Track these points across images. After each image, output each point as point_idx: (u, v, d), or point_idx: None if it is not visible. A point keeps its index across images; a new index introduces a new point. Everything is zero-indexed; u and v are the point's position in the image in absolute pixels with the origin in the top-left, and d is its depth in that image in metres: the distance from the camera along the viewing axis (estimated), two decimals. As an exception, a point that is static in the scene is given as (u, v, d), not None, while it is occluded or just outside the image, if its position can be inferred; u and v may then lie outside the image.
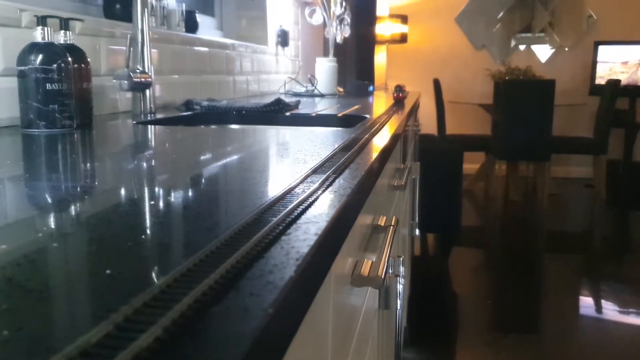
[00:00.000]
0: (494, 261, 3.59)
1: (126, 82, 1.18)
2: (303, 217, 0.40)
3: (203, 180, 0.55)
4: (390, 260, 0.97)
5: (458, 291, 3.03)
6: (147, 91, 1.27)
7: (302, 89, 2.61)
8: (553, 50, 5.82)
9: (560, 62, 5.78)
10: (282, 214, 0.40)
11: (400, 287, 0.92)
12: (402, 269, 0.98)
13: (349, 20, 2.84)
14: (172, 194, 0.49)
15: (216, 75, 1.95)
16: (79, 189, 0.53)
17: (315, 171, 0.58)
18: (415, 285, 2.98)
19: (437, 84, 5.14)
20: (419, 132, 2.92)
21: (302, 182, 0.52)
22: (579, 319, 2.75)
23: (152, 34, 1.53)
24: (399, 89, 1.97)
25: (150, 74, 1.27)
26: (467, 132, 5.70)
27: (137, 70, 1.24)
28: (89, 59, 1.05)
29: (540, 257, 3.71)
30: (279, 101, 1.48)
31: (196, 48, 1.79)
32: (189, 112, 1.42)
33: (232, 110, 1.46)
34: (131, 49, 1.22)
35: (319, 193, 0.49)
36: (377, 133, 1.02)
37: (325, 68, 2.68)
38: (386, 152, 0.92)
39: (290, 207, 0.42)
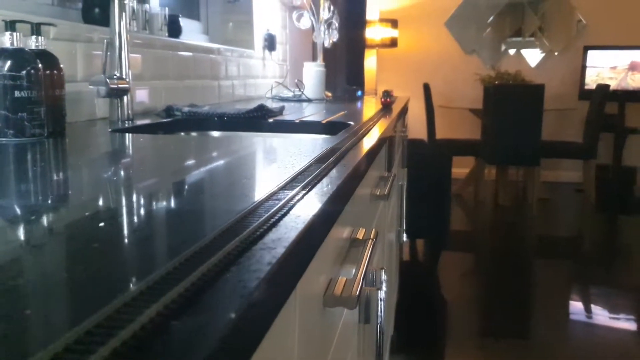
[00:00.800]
0: (483, 266, 3.57)
1: (103, 88, 1.15)
2: (260, 242, 0.37)
3: (159, 199, 0.52)
4: (371, 273, 0.94)
5: (447, 296, 3.01)
6: (125, 97, 1.24)
7: (290, 94, 2.58)
8: (543, 54, 5.83)
9: (549, 67, 5.79)
10: (237, 238, 0.37)
11: (381, 300, 0.90)
12: (384, 280, 0.96)
13: (337, 24, 2.82)
14: (126, 214, 0.46)
15: (200, 80, 1.92)
16: (42, 201, 0.51)
17: (285, 187, 0.56)
18: (404, 292, 2.96)
19: (427, 89, 5.12)
20: (406, 138, 2.90)
21: (268, 199, 0.50)
22: (569, 324, 2.74)
23: (133, 38, 1.50)
24: (387, 94, 1.95)
25: (128, 79, 1.23)
26: (457, 136, 5.69)
27: (115, 76, 1.21)
28: (62, 65, 1.02)
29: (530, 261, 3.69)
30: (261, 107, 1.45)
31: (179, 53, 1.76)
32: (169, 119, 1.39)
33: (214, 116, 1.43)
34: (108, 54, 1.18)
35: (283, 211, 0.46)
36: (358, 142, 1.00)
37: (313, 73, 2.65)
38: (366, 162, 0.89)
39: (247, 230, 0.39)
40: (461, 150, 5.21)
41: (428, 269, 3.44)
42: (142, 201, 0.51)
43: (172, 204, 0.50)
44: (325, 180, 0.60)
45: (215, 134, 1.41)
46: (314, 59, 4.32)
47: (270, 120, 1.43)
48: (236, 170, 0.68)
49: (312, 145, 0.89)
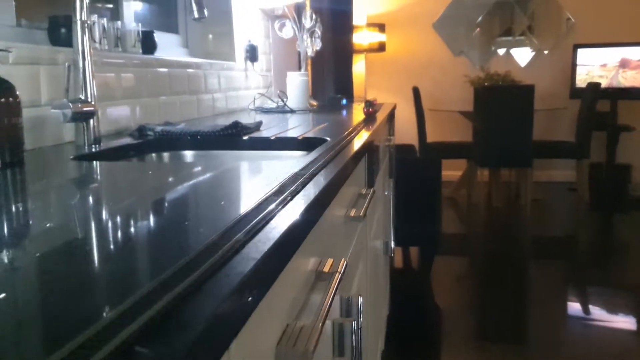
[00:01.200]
0: (478, 269, 3.54)
1: (66, 112, 1.10)
2: (183, 310, 0.33)
3: (93, 241, 0.48)
4: (346, 303, 0.90)
5: (442, 302, 2.97)
6: (92, 120, 1.19)
7: (273, 105, 2.54)
8: (532, 54, 5.80)
9: (539, 66, 5.76)
10: (156, 305, 0.32)
11: (357, 331, 0.85)
12: (361, 308, 0.91)
13: (319, 33, 2.78)
14: (65, 252, 0.41)
15: (178, 95, 1.88)
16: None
17: (232, 227, 0.51)
18: (396, 301, 2.91)
19: (416, 92, 5.09)
20: (393, 145, 2.86)
21: (205, 249, 0.45)
22: (566, 325, 2.71)
23: (103, 57, 1.46)
24: (369, 103, 1.90)
25: (93, 102, 1.19)
26: (448, 139, 5.65)
27: (79, 99, 1.17)
28: (18, 92, 0.98)
29: (525, 263, 3.66)
30: (236, 124, 1.40)
31: (153, 69, 1.71)
32: (139, 140, 1.35)
33: (186, 135, 1.39)
34: (71, 76, 1.14)
35: (226, 255, 0.42)
36: (330, 160, 0.96)
37: (296, 82, 2.61)
38: (335, 186, 0.85)
39: (170, 294, 0.35)
40: (453, 153, 5.18)
41: (420, 277, 3.39)
42: (79, 237, 0.46)
43: (110, 241, 0.45)
44: (274, 221, 0.56)
45: (188, 153, 1.37)
46: (300, 68, 4.28)
47: (245, 137, 1.38)
48: (187, 204, 0.64)
49: (279, 169, 0.85)
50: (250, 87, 2.67)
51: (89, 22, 1.18)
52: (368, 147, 1.39)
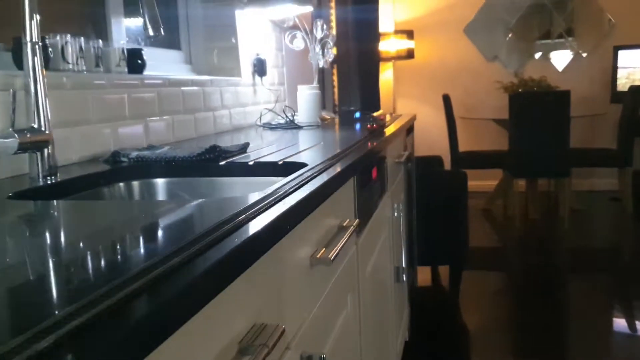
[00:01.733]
0: (514, 285, 3.37)
1: (10, 143, 1.01)
2: None
3: None
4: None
5: (472, 321, 2.81)
6: (46, 150, 1.09)
7: (282, 120, 2.43)
8: (570, 58, 5.55)
9: (577, 70, 5.50)
10: None
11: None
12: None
13: (331, 43, 2.65)
14: None
15: (170, 115, 1.78)
16: None
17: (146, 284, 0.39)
18: (419, 325, 2.74)
19: (446, 100, 4.91)
20: (411, 159, 2.71)
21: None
22: (610, 342, 2.53)
23: (71, 78, 1.36)
24: (374, 119, 1.77)
25: (46, 129, 1.09)
26: (482, 148, 5.44)
27: (29, 128, 1.07)
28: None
29: (564, 277, 3.49)
30: (213, 149, 1.29)
31: (137, 89, 1.61)
32: (107, 168, 1.24)
33: (160, 161, 1.28)
34: (15, 104, 1.04)
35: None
36: (292, 193, 0.83)
37: (305, 96, 2.49)
38: (289, 219, 0.72)
39: None
40: (486, 162, 4.98)
41: (447, 296, 3.22)
42: None
43: None
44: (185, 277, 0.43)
45: (159, 182, 1.26)
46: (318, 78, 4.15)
47: (223, 162, 1.26)
48: (116, 247, 0.52)
49: (233, 203, 0.73)
50: (259, 102, 2.56)
51: (39, 42, 1.08)
52: (356, 170, 1.26)
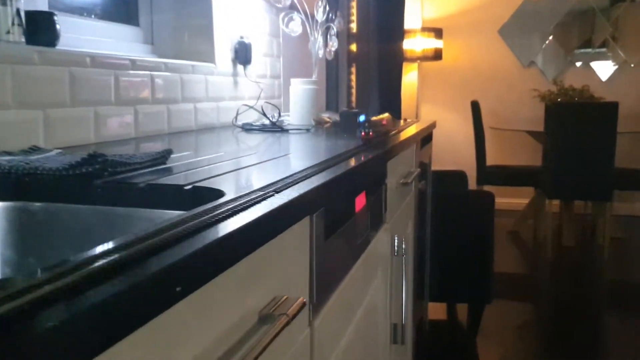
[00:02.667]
0: (542, 319, 2.98)
1: None
2: None
3: None
4: None
5: (495, 356, 2.33)
6: None
7: (270, 119, 1.95)
8: (616, 67, 4.98)
9: (623, 81, 4.93)
10: None
11: None
12: None
13: (336, 29, 2.17)
14: None
15: (92, 107, 1.31)
16: None
17: None
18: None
19: (475, 107, 4.40)
20: (426, 176, 2.21)
21: None
22: None
23: None
24: (370, 125, 1.28)
25: None
26: (513, 163, 4.90)
27: None
28: None
29: (601, 313, 3.10)
30: (91, 159, 0.81)
31: (36, 67, 1.15)
32: None
33: (10, 176, 0.81)
34: None
35: None
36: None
37: (299, 92, 2.01)
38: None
39: None
40: (517, 179, 4.46)
41: (466, 335, 2.71)
42: None
43: None
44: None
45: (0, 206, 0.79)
46: (326, 74, 3.67)
47: (99, 181, 0.79)
48: None
49: None
50: (242, 96, 2.09)
51: None
52: (315, 206, 0.77)
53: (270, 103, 1.96)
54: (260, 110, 1.89)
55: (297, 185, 0.76)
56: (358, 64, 4.38)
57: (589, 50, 5.02)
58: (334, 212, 0.88)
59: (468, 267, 2.52)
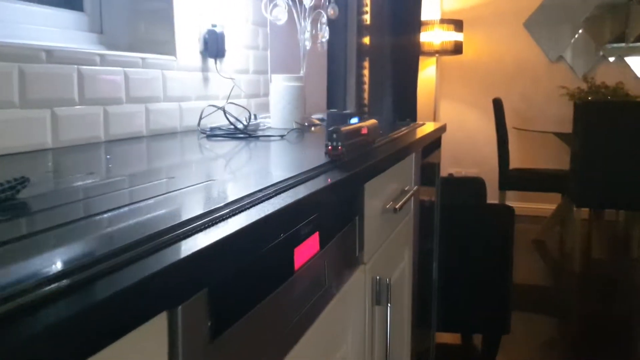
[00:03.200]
0: (568, 334, 2.73)
1: None
2: None
3: None
4: None
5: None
6: None
7: (233, 123, 1.64)
8: (653, 62, 4.58)
9: (662, 78, 4.52)
10: None
11: None
12: None
13: (326, 16, 1.85)
14: None
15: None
16: None
17: None
18: None
19: (498, 105, 4.06)
20: (434, 188, 1.89)
21: None
22: None
23: None
24: (338, 136, 0.96)
25: None
26: (538, 166, 4.53)
27: None
28: None
29: (635, 334, 2.77)
30: None
31: None
32: None
33: None
34: None
35: None
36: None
37: (279, 91, 1.70)
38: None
39: None
40: (542, 184, 4.11)
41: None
42: None
43: None
44: None
45: None
46: (328, 69, 3.36)
47: None
48: None
49: None
50: (215, 95, 1.78)
51: None
52: (173, 300, 0.46)
53: (237, 104, 1.65)
54: (233, 111, 1.58)
55: (158, 255, 0.45)
56: (372, 58, 4.09)
57: (622, 45, 4.62)
58: (236, 286, 0.57)
59: (482, 294, 2.19)
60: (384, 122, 2.10)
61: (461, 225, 2.13)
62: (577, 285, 3.46)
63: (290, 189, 0.76)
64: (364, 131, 1.09)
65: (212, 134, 1.50)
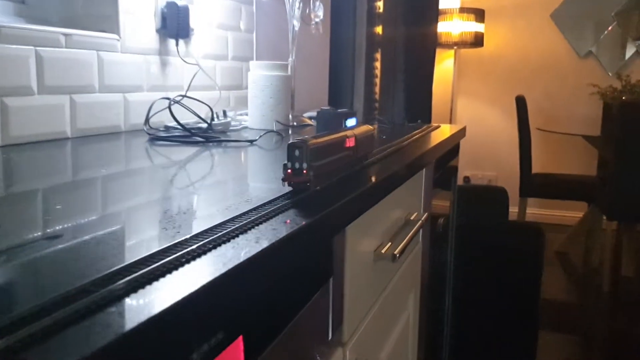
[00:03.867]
0: (593, 356, 2.49)
1: None
2: None
3: None
4: None
5: None
6: None
7: (180, 125, 1.29)
8: (693, 59, 4.18)
9: None
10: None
11: None
12: None
13: (320, -9, 1.49)
14: None
15: None
16: None
17: None
18: None
19: (520, 103, 3.72)
20: (449, 208, 1.54)
21: None
22: None
23: None
24: (298, 152, 0.61)
25: None
26: (563, 171, 4.16)
27: None
28: None
29: None
30: None
31: None
32: None
33: None
34: None
35: None
36: None
37: (258, 81, 1.35)
38: None
39: None
40: (568, 192, 3.78)
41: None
42: None
43: None
44: None
45: None
46: (330, 59, 3.03)
47: None
48: None
49: None
50: (180, 86, 1.43)
51: None
52: None
53: (195, 99, 1.30)
54: (174, 108, 1.22)
55: None
56: (384, 50, 3.77)
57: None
58: None
59: (504, 329, 1.82)
60: (389, 124, 1.74)
61: (480, 245, 1.77)
62: (605, 304, 3.13)
63: (194, 258, 0.41)
64: (349, 143, 0.73)
65: (159, 137, 1.15)
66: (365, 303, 0.78)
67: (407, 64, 3.77)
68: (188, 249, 0.44)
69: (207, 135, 1.15)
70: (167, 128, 1.28)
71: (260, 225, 0.53)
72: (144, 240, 0.48)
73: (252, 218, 0.54)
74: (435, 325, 1.54)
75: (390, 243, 0.83)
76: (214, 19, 1.56)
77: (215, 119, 1.29)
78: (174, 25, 1.35)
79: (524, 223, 2.80)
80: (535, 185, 3.73)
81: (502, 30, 4.44)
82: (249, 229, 0.52)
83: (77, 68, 1.12)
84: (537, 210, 4.37)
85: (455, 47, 4.30)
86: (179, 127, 1.24)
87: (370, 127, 0.84)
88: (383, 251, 0.80)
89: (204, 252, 0.44)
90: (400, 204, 0.96)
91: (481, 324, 1.81)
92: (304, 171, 0.62)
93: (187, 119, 1.33)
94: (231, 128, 1.33)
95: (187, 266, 0.41)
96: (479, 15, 4.19)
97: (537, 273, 1.86)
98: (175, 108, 1.28)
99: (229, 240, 0.48)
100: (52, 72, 1.07)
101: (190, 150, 1.01)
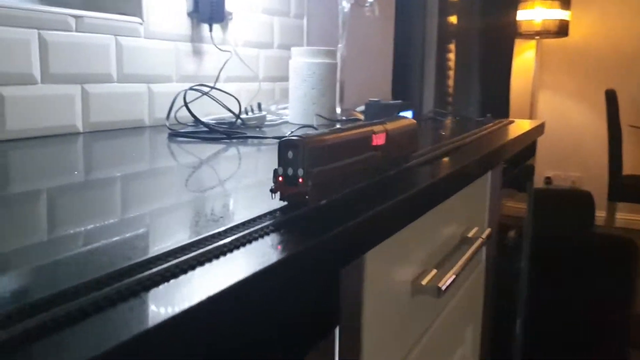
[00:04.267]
0: None
1: None
2: None
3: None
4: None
5: None
6: None
7: (266, 114, 1.16)
8: None
9: None
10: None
11: None
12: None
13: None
14: None
15: None
16: None
17: None
18: None
19: (611, 98, 3.45)
20: (522, 220, 1.33)
21: None
22: None
23: None
24: (292, 154, 0.45)
25: None
26: (659, 172, 3.83)
27: None
28: None
29: None
30: None
31: None
32: None
33: None
34: None
35: None
36: None
37: (299, 70, 1.19)
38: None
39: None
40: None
41: None
42: None
43: None
44: None
45: None
46: (394, 49, 2.86)
47: None
48: None
49: None
50: (213, 76, 1.30)
51: None
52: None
53: (214, 88, 1.15)
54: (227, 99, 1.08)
55: None
56: (458, 42, 3.61)
57: None
58: None
59: (589, 354, 1.58)
60: (458, 119, 1.54)
61: (561, 264, 1.54)
62: None
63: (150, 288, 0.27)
64: (377, 140, 0.56)
65: (177, 132, 1.01)
66: (399, 350, 0.60)
67: (483, 55, 3.58)
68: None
69: (230, 131, 1.00)
70: (196, 122, 1.14)
71: (221, 257, 0.37)
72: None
73: (215, 245, 0.38)
74: (501, 357, 1.33)
75: (434, 270, 0.65)
76: (258, 2, 1.41)
77: (249, 113, 1.14)
78: (206, 9, 1.21)
79: (612, 234, 2.52)
80: (626, 188, 3.46)
81: (591, 18, 4.12)
82: (204, 261, 0.36)
83: (90, 55, 1.00)
84: (627, 216, 4.02)
85: (536, 37, 4.03)
86: (207, 121, 1.10)
87: (412, 120, 0.66)
88: (424, 282, 0.62)
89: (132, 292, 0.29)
90: (454, 217, 0.78)
91: (559, 351, 1.58)
92: (300, 179, 0.45)
93: (220, 113, 1.19)
94: (267, 123, 1.17)
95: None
96: (565, 1, 3.90)
97: (627, 288, 1.61)
98: (205, 100, 1.14)
99: (171, 278, 0.32)
100: (59, 59, 0.94)
101: (206, 149, 0.86)
